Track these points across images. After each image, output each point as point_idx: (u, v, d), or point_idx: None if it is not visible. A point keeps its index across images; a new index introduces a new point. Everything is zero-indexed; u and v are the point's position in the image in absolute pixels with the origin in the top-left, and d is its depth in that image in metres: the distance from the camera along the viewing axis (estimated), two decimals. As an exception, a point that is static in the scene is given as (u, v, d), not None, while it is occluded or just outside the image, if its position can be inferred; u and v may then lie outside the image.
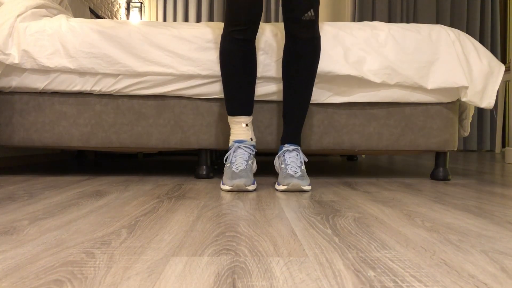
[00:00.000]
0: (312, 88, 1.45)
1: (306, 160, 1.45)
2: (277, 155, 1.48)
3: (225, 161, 1.43)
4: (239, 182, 1.28)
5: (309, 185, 1.34)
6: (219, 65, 1.59)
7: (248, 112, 1.44)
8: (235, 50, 1.37)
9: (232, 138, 1.45)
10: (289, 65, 1.42)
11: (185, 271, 0.58)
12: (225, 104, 1.45)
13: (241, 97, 1.41)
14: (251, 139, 1.44)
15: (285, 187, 1.32)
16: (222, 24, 1.67)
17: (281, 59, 1.59)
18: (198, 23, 1.70)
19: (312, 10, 1.33)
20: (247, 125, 1.44)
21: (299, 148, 1.45)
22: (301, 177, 1.33)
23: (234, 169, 1.34)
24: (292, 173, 1.35)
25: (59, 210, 1.00)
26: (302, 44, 1.38)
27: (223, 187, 1.35)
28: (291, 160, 1.40)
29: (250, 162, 1.40)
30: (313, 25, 1.37)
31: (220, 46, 1.41)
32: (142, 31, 1.61)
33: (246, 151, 1.41)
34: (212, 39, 1.61)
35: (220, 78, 1.61)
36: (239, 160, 1.38)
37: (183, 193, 1.29)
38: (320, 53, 1.42)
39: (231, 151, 1.42)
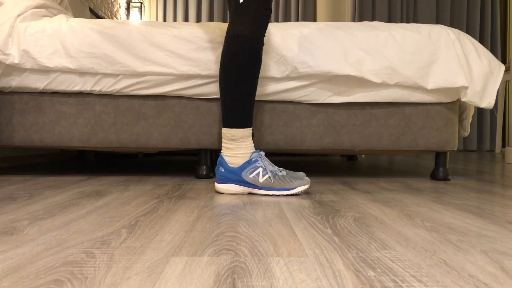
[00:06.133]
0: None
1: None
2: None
3: None
4: None
5: None
6: (218, 64, 1.59)
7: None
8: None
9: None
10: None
11: (185, 271, 0.58)
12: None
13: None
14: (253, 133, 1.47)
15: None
16: (222, 24, 1.67)
17: (281, 59, 1.60)
18: (198, 23, 1.70)
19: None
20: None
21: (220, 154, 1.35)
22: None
23: None
24: None
25: (59, 210, 1.00)
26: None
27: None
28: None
29: None
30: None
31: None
32: (142, 31, 1.61)
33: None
34: (212, 39, 1.61)
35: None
36: None
37: (183, 193, 1.29)
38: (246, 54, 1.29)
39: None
